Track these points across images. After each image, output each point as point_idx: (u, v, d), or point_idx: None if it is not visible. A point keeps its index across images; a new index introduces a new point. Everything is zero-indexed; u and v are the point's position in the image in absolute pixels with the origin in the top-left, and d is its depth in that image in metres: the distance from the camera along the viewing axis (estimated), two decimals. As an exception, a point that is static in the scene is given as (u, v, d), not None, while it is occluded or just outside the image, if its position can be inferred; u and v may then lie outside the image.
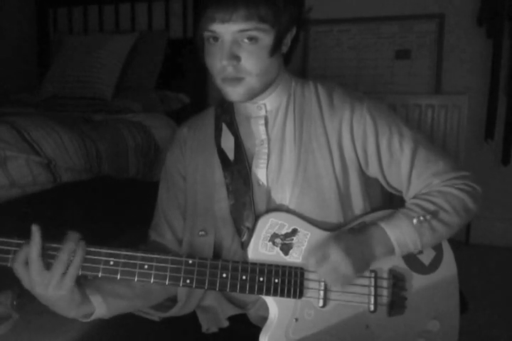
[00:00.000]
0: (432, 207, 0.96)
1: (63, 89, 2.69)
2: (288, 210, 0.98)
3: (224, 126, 1.06)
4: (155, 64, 2.77)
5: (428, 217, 0.94)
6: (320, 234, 0.96)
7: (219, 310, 1.05)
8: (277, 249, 0.94)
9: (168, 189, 1.11)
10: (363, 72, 2.80)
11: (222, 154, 1.03)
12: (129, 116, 2.39)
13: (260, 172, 1.01)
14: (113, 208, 2.11)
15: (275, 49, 0.93)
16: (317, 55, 2.86)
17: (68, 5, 3.15)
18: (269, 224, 0.94)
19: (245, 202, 0.99)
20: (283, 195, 0.99)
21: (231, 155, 1.03)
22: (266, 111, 1.03)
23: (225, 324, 1.03)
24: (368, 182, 1.04)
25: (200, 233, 1.02)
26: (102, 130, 2.09)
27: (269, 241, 0.94)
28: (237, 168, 1.01)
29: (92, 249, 0.87)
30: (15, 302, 1.81)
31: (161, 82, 2.78)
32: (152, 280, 0.88)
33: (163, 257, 0.89)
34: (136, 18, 3.05)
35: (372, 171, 1.02)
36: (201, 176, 1.05)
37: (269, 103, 1.02)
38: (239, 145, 1.02)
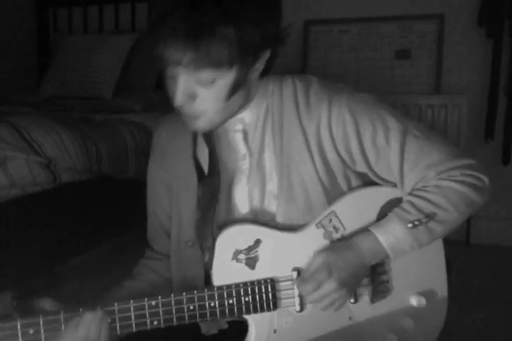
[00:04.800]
0: (428, 208, 0.90)
1: (63, 89, 2.69)
2: (246, 220, 0.94)
3: (200, 136, 1.01)
4: (155, 64, 2.76)
5: (424, 220, 0.89)
6: (285, 238, 0.92)
7: None
8: (242, 265, 0.89)
9: (153, 198, 1.09)
10: (363, 72, 2.80)
11: (197, 164, 0.99)
12: (129, 116, 2.39)
13: (242, 189, 0.97)
14: (113, 208, 2.11)
15: (234, 91, 0.86)
16: (317, 55, 2.86)
17: (68, 5, 3.15)
18: (228, 242, 0.89)
19: (208, 217, 0.94)
20: (269, 208, 0.95)
21: (205, 167, 0.98)
22: (244, 124, 0.97)
23: (225, 326, 1.01)
24: (363, 180, 1.00)
25: (188, 243, 0.98)
26: (102, 130, 2.09)
27: (232, 259, 0.89)
28: (209, 181, 0.96)
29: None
30: (15, 303, 1.81)
31: (161, 82, 2.77)
32: (119, 332, 0.85)
33: (124, 306, 0.85)
34: (136, 18, 3.05)
35: (361, 169, 0.97)
36: (183, 185, 1.00)
37: (247, 116, 0.96)
38: (213, 158, 0.97)
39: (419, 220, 0.89)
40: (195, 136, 1.01)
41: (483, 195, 0.93)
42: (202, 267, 0.97)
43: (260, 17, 0.83)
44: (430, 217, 0.89)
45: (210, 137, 0.98)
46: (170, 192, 1.04)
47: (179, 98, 0.85)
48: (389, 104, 0.99)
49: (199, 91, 0.85)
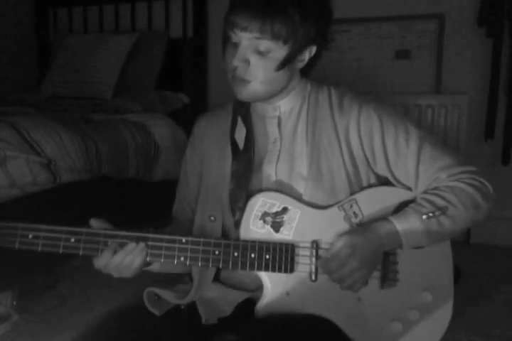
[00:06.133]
0: (441, 202, 0.99)
1: (63, 89, 2.69)
2: (278, 190, 1.03)
3: (239, 119, 1.12)
4: (155, 64, 2.77)
5: (437, 213, 0.97)
6: (310, 212, 1.00)
7: (221, 301, 1.05)
8: (268, 226, 0.99)
9: (187, 179, 1.20)
10: (363, 72, 2.80)
11: (234, 145, 1.10)
12: (129, 116, 2.39)
13: (270, 167, 1.07)
14: (113, 208, 2.11)
15: (284, 64, 1.00)
16: (317, 55, 2.85)
17: (68, 5, 3.15)
18: (259, 203, 0.99)
19: (242, 184, 1.05)
20: (297, 188, 1.04)
21: (241, 145, 1.09)
22: (280, 112, 1.09)
23: (228, 312, 1.03)
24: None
25: (211, 218, 1.07)
26: (102, 130, 2.09)
27: (260, 219, 0.99)
28: (244, 156, 1.07)
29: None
30: (15, 303, 1.81)
31: (161, 82, 2.78)
32: (148, 259, 0.95)
33: (158, 236, 0.95)
34: (136, 18, 3.05)
35: (380, 169, 1.06)
36: (215, 165, 1.12)
37: (284, 105, 1.09)
38: (249, 136, 1.09)
39: (432, 212, 0.97)
40: (234, 120, 1.13)
41: (487, 201, 1.02)
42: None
43: (319, 15, 1.00)
44: (442, 210, 0.98)
45: (247, 119, 1.12)
46: (199, 174, 1.16)
47: (236, 60, 0.99)
48: (388, 104, 1.04)
49: (254, 58, 0.99)
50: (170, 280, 1.12)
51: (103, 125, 2.15)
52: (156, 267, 1.05)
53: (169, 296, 1.05)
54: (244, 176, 1.06)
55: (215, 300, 1.06)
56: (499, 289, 2.14)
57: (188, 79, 2.87)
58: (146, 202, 2.28)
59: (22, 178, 1.68)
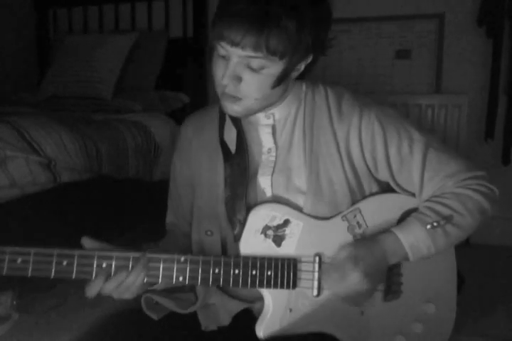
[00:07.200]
0: (445, 211, 0.95)
1: (63, 89, 2.69)
2: (279, 201, 0.98)
3: (227, 118, 1.05)
4: (155, 64, 2.77)
5: (442, 222, 0.93)
6: (313, 224, 0.96)
7: (220, 309, 1.04)
8: (269, 240, 0.94)
9: (178, 191, 1.14)
10: (363, 72, 2.80)
11: (224, 146, 1.03)
12: (129, 116, 2.39)
13: (265, 180, 1.00)
14: (113, 208, 2.11)
15: (280, 81, 0.91)
16: (317, 55, 2.85)
17: (68, 5, 3.15)
18: (260, 216, 0.94)
19: (239, 192, 0.98)
20: (296, 202, 0.99)
21: (233, 148, 1.02)
22: (274, 120, 1.02)
23: (226, 322, 1.02)
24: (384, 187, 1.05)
25: (208, 233, 1.02)
26: (102, 130, 2.09)
27: (261, 233, 0.94)
28: (238, 160, 1.00)
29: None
30: (15, 303, 1.81)
31: (161, 82, 2.78)
32: (145, 280, 0.88)
33: (155, 256, 0.88)
34: (136, 18, 3.05)
35: (382, 176, 1.02)
36: (206, 174, 1.05)
37: (278, 112, 1.02)
38: (241, 137, 1.02)
39: (437, 222, 0.93)
40: (222, 120, 1.05)
41: (493, 205, 0.98)
42: (220, 254, 1.01)
43: (318, 22, 0.89)
44: (447, 219, 0.94)
45: (237, 119, 1.03)
46: (191, 186, 1.09)
47: (226, 77, 0.89)
48: (389, 104, 1.02)
49: (246, 75, 0.89)
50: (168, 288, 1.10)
51: (103, 125, 2.15)
52: (161, 285, 0.98)
53: (170, 304, 1.02)
54: (241, 183, 0.98)
55: (215, 306, 1.04)
56: (499, 289, 2.14)
57: (188, 79, 2.87)
58: (146, 202, 2.28)
59: (22, 178, 1.68)
